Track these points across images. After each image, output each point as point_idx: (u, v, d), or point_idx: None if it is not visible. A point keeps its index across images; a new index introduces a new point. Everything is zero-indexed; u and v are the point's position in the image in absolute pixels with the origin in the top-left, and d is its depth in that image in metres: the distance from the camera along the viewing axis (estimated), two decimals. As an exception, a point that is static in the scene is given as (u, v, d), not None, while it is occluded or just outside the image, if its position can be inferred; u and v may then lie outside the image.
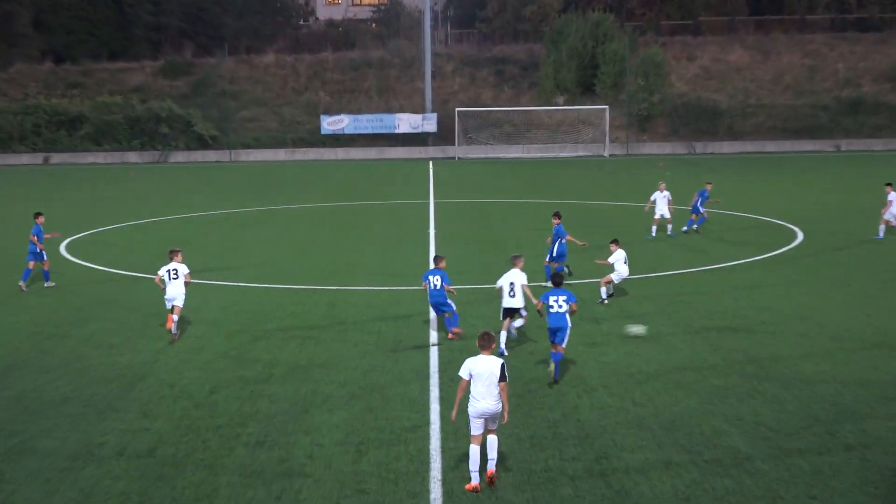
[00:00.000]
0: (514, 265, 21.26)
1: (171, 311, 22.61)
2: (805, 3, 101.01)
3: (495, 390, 14.19)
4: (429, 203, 49.59)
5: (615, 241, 26.45)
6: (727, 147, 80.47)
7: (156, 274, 23.42)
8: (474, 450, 14.17)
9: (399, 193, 54.90)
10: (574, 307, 19.26)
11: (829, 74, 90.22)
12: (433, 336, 22.51)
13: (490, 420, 14.33)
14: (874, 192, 49.95)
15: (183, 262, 23.15)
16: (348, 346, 21.95)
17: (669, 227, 37.79)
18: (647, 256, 32.92)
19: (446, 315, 22.31)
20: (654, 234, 37.49)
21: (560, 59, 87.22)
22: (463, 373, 14.31)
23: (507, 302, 20.90)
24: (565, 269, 28.69)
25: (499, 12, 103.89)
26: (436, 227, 39.87)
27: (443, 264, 22.59)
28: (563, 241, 28.54)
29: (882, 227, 36.86)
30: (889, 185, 37.58)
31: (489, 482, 14.21)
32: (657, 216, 37.61)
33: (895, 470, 14.63)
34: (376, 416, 17.14)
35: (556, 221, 28.64)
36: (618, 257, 25.93)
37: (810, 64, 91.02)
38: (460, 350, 21.17)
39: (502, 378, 14.19)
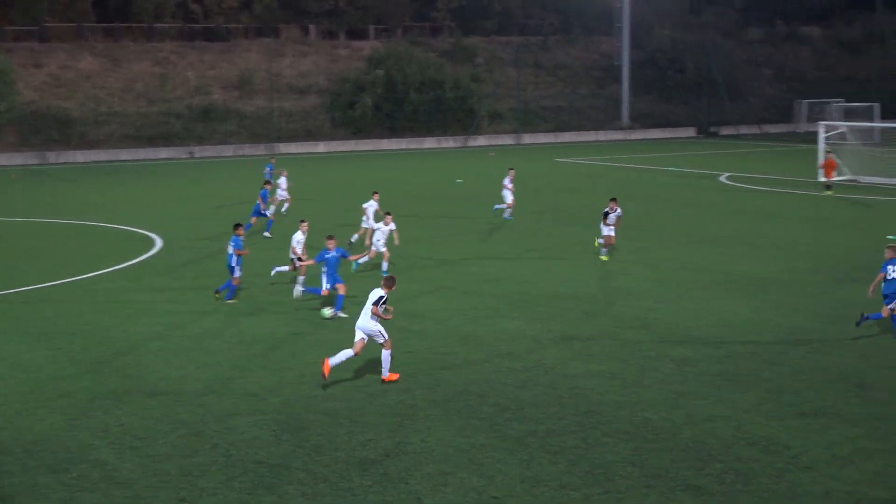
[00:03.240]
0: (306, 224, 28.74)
1: None
2: (152, 12, 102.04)
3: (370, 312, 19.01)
4: None
5: (388, 213, 30.06)
6: (81, 156, 79.16)
7: None
8: (346, 351, 19.07)
9: None
10: (238, 251, 26.07)
11: (180, 83, 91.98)
12: None
13: (371, 336, 19.12)
14: (231, 196, 51.68)
15: None
16: None
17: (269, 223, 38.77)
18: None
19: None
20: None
21: None
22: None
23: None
24: None
25: None
26: None
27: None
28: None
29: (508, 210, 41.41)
30: (511, 168, 42.75)
31: (383, 381, 19.17)
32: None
33: (258, 462, 15.29)
34: None
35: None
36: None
37: (161, 72, 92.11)
38: None
39: (375, 303, 18.94)
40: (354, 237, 34.37)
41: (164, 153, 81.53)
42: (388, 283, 19.67)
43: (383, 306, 19.20)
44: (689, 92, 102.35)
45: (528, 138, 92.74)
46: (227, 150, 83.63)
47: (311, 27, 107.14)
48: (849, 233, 37.46)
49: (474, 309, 25.55)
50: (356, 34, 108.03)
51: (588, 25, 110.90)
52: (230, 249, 26.49)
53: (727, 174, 59.58)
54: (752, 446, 15.80)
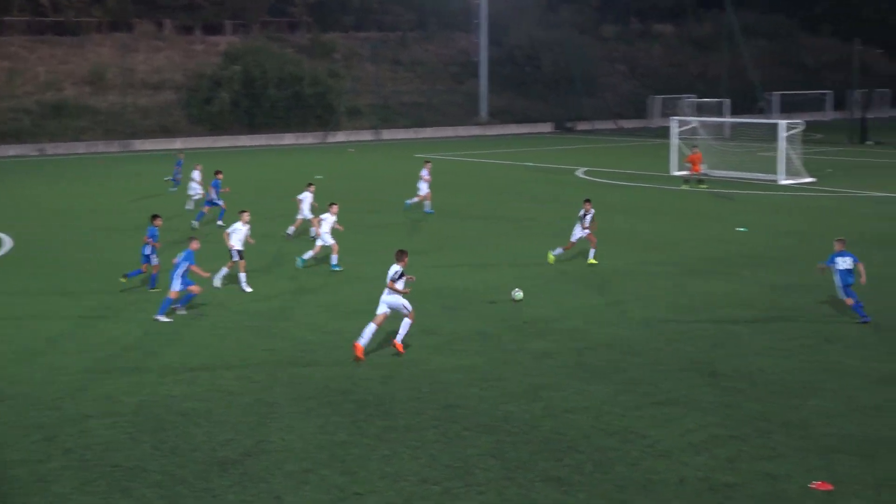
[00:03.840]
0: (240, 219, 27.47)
1: None
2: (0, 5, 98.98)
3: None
4: None
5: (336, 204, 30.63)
6: (-74, 154, 76.50)
7: None
8: (370, 327, 20.38)
9: None
10: (154, 242, 26.21)
11: (31, 78, 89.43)
12: None
13: (395, 309, 20.40)
14: (87, 196, 50.42)
15: None
16: None
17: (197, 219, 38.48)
18: None
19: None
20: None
21: None
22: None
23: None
24: None
25: None
26: None
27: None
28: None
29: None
30: (428, 161, 43.62)
31: (398, 348, 20.56)
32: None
33: (114, 465, 14.98)
34: None
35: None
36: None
37: (10, 67, 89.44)
38: None
39: (392, 279, 20.21)
40: (291, 229, 35.14)
41: (13, 150, 79.11)
42: (401, 255, 20.74)
43: (402, 280, 20.46)
44: (546, 88, 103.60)
45: (387, 134, 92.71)
46: (80, 148, 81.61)
47: (166, 21, 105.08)
48: (702, 225, 38.45)
49: (336, 306, 25.47)
50: (212, 29, 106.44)
51: (445, 22, 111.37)
52: (147, 239, 26.63)
53: (584, 169, 60.56)
54: (610, 436, 16.11)
